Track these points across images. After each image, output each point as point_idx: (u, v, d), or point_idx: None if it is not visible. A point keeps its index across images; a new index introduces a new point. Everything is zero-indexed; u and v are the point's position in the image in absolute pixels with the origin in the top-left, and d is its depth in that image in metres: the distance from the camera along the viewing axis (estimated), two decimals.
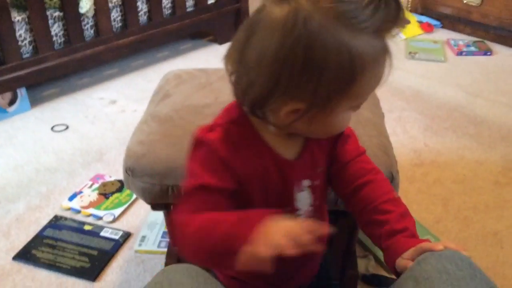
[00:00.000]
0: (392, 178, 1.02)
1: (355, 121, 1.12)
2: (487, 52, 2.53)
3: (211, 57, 2.53)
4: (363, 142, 1.04)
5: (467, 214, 1.52)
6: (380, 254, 1.37)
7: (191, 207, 0.69)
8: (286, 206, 0.78)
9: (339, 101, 0.65)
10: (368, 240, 1.41)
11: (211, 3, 2.52)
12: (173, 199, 1.03)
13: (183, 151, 1.02)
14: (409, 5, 2.92)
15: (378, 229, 0.76)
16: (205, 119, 1.10)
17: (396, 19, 0.62)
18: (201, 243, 0.65)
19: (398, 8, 0.61)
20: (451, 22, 2.76)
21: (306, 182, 0.79)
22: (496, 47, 2.61)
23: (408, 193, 1.58)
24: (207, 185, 0.69)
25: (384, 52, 0.65)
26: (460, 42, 2.61)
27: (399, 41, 2.61)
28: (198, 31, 2.63)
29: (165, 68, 2.40)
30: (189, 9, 2.44)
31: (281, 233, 0.58)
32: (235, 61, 0.67)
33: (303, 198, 0.80)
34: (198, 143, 0.72)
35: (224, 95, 1.19)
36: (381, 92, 2.11)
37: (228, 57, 0.69)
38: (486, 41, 2.64)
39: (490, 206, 1.55)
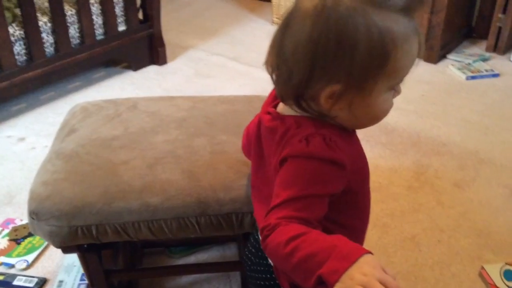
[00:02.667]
0: None
1: None
2: None
3: (126, 85, 2.47)
4: None
5: (386, 220, 1.58)
6: None
7: (289, 212, 0.67)
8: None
9: (375, 80, 0.67)
10: None
11: (122, 30, 2.47)
12: (84, 240, 0.98)
13: (92, 188, 0.99)
14: None
15: None
16: (114, 152, 1.07)
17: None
18: (291, 255, 0.63)
19: None
20: None
21: None
22: None
23: None
24: (313, 195, 0.69)
25: (414, 30, 0.68)
26: None
27: None
28: (111, 59, 2.57)
29: (77, 99, 2.31)
30: (99, 38, 2.37)
31: (376, 278, 0.57)
32: (275, 56, 0.71)
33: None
34: (302, 157, 0.70)
35: (134, 125, 1.16)
36: None
37: (267, 59, 0.73)
38: None
39: (406, 211, 1.62)
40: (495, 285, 1.36)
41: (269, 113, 0.79)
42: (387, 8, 0.65)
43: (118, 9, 2.41)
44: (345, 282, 0.57)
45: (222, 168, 1.03)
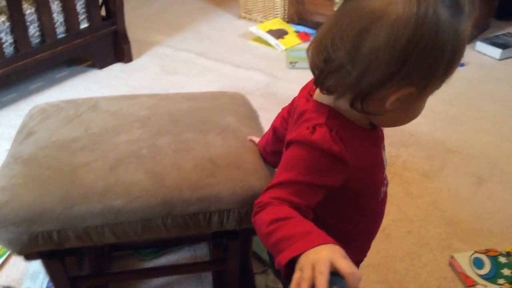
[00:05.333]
0: None
1: (234, 135, 1.11)
2: None
3: (91, 84, 2.41)
4: (244, 158, 1.04)
5: None
6: None
7: (282, 194, 0.71)
8: (384, 180, 0.86)
9: (442, 80, 0.70)
10: (266, 254, 1.41)
11: (85, 28, 2.40)
12: (45, 246, 0.94)
13: (51, 192, 0.95)
14: (286, 16, 3.02)
15: None
16: (75, 154, 1.03)
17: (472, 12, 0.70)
18: (269, 235, 0.67)
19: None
20: None
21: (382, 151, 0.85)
22: None
23: None
24: (308, 182, 0.71)
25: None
26: None
27: (279, 52, 2.68)
28: (75, 57, 2.50)
29: (40, 100, 2.24)
30: (60, 36, 2.30)
31: (329, 259, 0.58)
32: (346, 52, 0.67)
33: (384, 164, 0.86)
34: (304, 144, 0.72)
35: (95, 125, 1.12)
36: (268, 104, 2.14)
37: (319, 48, 0.71)
38: None
39: None
40: (465, 274, 1.38)
41: (306, 88, 0.82)
42: (460, 11, 0.67)
43: (80, 6, 2.35)
44: (300, 261, 0.59)
45: (188, 167, 1.00)
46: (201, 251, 1.45)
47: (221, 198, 0.96)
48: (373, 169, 0.81)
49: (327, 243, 0.60)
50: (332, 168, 0.72)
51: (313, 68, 0.74)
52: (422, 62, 0.65)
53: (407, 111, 0.73)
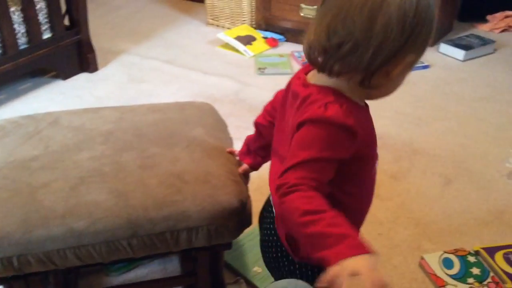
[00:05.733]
0: (243, 206, 1.01)
1: (202, 148, 1.10)
2: None
3: (55, 95, 2.35)
4: (212, 172, 1.02)
5: None
6: (251, 276, 1.36)
7: (306, 173, 0.74)
8: (377, 155, 0.89)
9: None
10: (237, 263, 1.40)
11: (48, 38, 2.35)
12: (5, 273, 0.91)
13: (9, 216, 0.91)
14: (253, 23, 3.01)
15: None
16: (34, 174, 1.00)
17: None
18: (305, 226, 0.70)
19: None
20: (293, 35, 2.89)
21: None
22: None
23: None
24: (328, 158, 0.75)
25: None
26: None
27: (248, 58, 2.67)
28: (38, 68, 2.44)
29: (3, 112, 2.18)
30: (22, 47, 2.24)
31: (371, 280, 0.63)
32: (361, 33, 0.72)
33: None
34: (319, 122, 0.75)
35: (55, 142, 1.09)
36: (238, 110, 2.13)
37: (328, 37, 0.75)
38: None
39: None
40: (435, 274, 1.39)
41: (299, 78, 0.85)
42: None
43: (42, 16, 2.29)
44: (342, 264, 0.64)
45: (153, 184, 0.98)
46: (171, 265, 1.43)
47: (188, 216, 0.95)
48: (371, 143, 0.85)
49: (368, 252, 0.66)
50: (347, 141, 0.76)
51: (315, 55, 0.78)
52: (423, 31, 0.73)
53: (401, 79, 0.80)
